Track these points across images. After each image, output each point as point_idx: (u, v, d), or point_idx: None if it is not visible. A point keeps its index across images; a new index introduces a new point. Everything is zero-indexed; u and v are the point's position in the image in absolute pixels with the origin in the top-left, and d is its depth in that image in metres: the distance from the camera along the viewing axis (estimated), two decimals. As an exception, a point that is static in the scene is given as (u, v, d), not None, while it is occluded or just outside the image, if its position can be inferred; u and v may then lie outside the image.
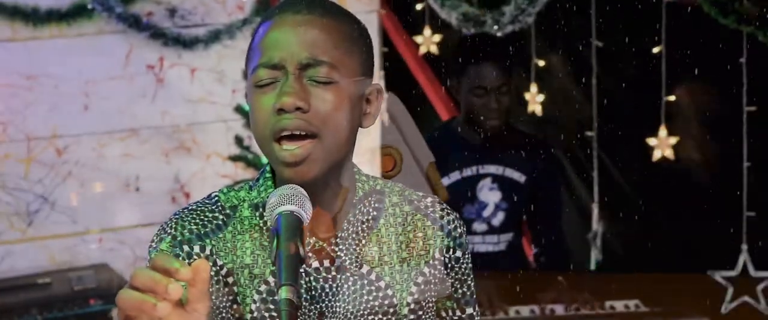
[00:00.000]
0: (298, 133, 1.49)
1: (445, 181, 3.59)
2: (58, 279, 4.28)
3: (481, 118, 3.50)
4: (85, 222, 4.59)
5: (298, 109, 1.48)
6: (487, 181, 3.60)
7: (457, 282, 1.67)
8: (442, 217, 1.66)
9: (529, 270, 3.80)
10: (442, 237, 1.65)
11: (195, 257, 1.55)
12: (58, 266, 4.53)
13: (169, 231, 1.58)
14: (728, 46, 3.36)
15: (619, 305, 3.35)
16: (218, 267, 1.56)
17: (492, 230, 3.60)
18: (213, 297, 1.54)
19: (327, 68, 1.50)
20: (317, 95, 1.49)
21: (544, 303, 3.37)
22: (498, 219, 3.61)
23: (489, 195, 3.60)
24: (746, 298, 3.44)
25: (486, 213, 3.59)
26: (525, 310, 3.33)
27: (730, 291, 3.45)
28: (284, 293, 1.29)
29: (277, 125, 1.49)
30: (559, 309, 3.34)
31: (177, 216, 1.60)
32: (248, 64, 1.56)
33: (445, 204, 1.68)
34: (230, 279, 1.56)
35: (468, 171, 3.59)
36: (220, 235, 1.57)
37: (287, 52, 1.50)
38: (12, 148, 4.43)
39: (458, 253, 1.66)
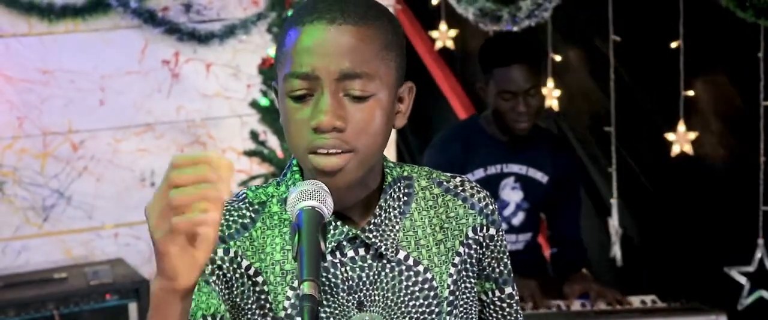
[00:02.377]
0: (334, 151, 1.46)
1: (470, 178, 3.55)
2: (74, 274, 4.29)
3: (511, 121, 3.46)
4: (100, 218, 4.61)
5: (334, 128, 1.45)
6: (510, 180, 3.58)
7: (493, 261, 1.66)
8: (472, 196, 1.64)
9: (546, 269, 3.78)
10: (475, 216, 1.62)
11: (219, 261, 1.53)
12: (74, 261, 4.54)
13: None
14: (746, 39, 3.33)
15: (636, 300, 3.34)
16: (244, 269, 1.54)
17: (511, 229, 3.58)
18: (238, 299, 1.53)
19: (364, 81, 1.46)
20: (354, 110, 1.46)
21: (561, 298, 3.36)
22: (518, 218, 3.59)
23: (511, 194, 3.58)
24: (763, 293, 3.42)
25: (507, 212, 3.56)
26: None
27: (747, 286, 3.43)
28: (306, 288, 1.27)
29: (313, 143, 1.46)
30: (576, 305, 3.33)
31: None
32: (278, 67, 1.51)
33: (474, 183, 1.66)
34: (259, 279, 1.54)
35: (492, 170, 3.56)
36: (246, 234, 1.54)
37: (322, 62, 1.44)
38: (28, 143, 4.44)
39: (492, 231, 1.63)
